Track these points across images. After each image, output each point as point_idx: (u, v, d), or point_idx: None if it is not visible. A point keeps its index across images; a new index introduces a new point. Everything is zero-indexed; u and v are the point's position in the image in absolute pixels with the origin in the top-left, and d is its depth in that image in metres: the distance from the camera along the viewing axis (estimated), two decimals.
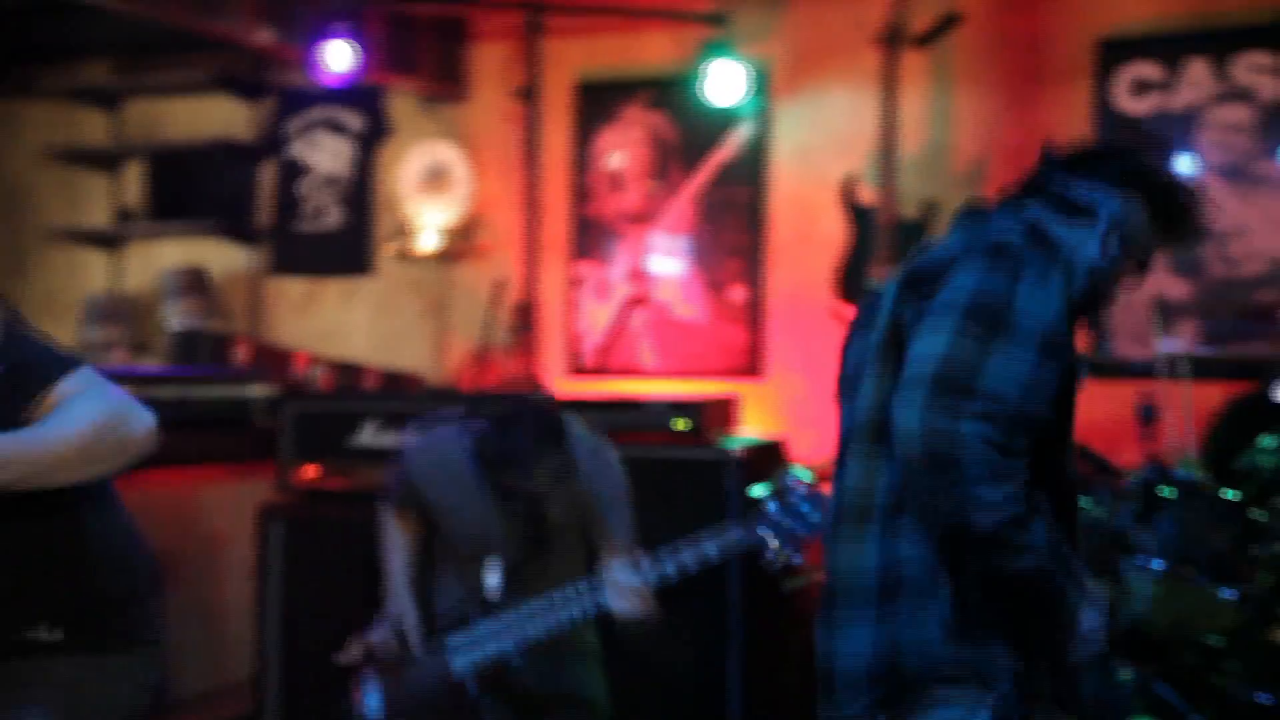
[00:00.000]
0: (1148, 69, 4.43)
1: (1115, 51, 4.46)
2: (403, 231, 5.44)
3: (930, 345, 1.80)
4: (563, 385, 5.16)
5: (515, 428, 2.82)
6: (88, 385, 2.08)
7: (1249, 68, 4.33)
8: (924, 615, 1.84)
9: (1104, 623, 1.86)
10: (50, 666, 2.06)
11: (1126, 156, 2.03)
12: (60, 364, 2.10)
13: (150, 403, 4.28)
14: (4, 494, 1.96)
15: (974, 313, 1.79)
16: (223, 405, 4.35)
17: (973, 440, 1.72)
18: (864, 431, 1.96)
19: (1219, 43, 4.34)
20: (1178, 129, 4.38)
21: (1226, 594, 2.82)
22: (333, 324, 5.60)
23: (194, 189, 5.76)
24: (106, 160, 5.91)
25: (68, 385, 2.05)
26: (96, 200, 5.95)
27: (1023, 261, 1.83)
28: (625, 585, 2.77)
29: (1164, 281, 4.39)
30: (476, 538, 2.91)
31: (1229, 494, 2.87)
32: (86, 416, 2.02)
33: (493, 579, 2.89)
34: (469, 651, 2.88)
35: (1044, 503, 1.80)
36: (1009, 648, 1.83)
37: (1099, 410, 4.30)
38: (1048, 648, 1.85)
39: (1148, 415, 3.00)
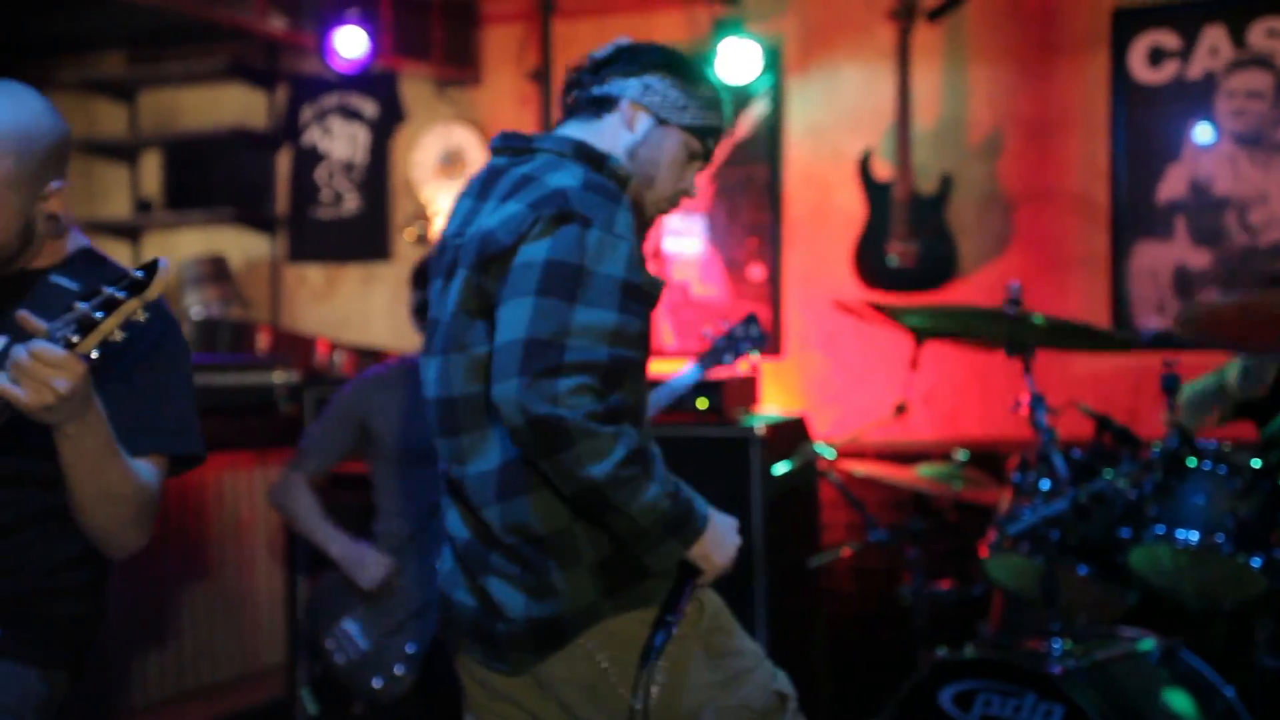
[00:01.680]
0: (1164, 37, 4.41)
1: (1131, 20, 4.44)
2: (420, 216, 5.46)
3: (516, 314, 1.86)
4: None
5: None
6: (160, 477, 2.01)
7: (1266, 33, 4.30)
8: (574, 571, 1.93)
9: (735, 527, 1.99)
10: None
11: (643, 48, 2.16)
12: (182, 441, 2.04)
13: None
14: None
15: (551, 279, 1.85)
16: (245, 392, 4.37)
17: (575, 421, 1.80)
18: (467, 408, 1.98)
19: (1235, 9, 4.31)
20: (1196, 97, 4.36)
21: (1254, 562, 2.83)
22: (352, 310, 5.63)
23: (211, 178, 5.78)
24: (124, 151, 5.93)
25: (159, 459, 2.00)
26: (115, 191, 5.98)
27: (587, 217, 1.89)
28: None
29: (1185, 251, 4.38)
30: (424, 444, 3.00)
31: (1255, 462, 2.87)
32: (148, 492, 1.96)
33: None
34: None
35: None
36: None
37: (1122, 381, 4.31)
38: (686, 567, 1.96)
39: (1171, 385, 3.00)
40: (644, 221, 2.14)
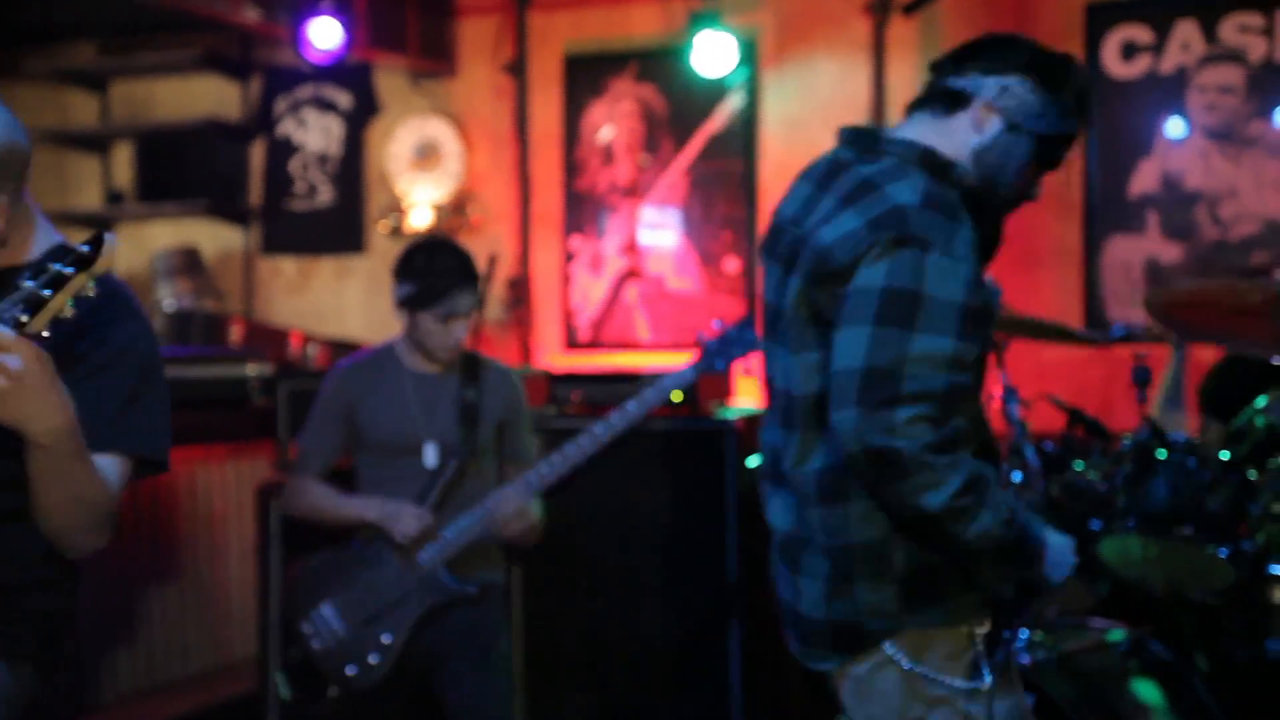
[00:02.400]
0: (1137, 32, 4.43)
1: (1103, 15, 4.46)
2: (395, 208, 5.44)
3: (853, 341, 1.84)
4: (558, 359, 5.17)
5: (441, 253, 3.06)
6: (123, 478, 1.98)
7: (1237, 28, 4.33)
8: (880, 583, 1.91)
9: (1071, 548, 1.92)
10: None
11: (1012, 44, 2.02)
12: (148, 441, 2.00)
13: None
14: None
15: (889, 306, 1.82)
16: (219, 385, 4.35)
17: (912, 453, 1.78)
18: (803, 408, 1.96)
19: (1207, 4, 4.34)
20: (1168, 92, 4.39)
21: (1222, 553, 2.85)
22: (326, 302, 5.61)
23: (184, 169, 5.76)
24: (95, 142, 5.90)
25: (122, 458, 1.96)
26: (87, 182, 5.94)
27: (926, 240, 1.85)
28: (516, 502, 3.00)
29: (1157, 245, 4.41)
30: (409, 434, 3.08)
31: (1224, 454, 2.89)
32: (111, 492, 1.93)
33: (430, 455, 3.06)
34: (436, 546, 3.02)
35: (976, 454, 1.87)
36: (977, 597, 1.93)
37: (1093, 374, 4.33)
38: (1022, 588, 1.93)
39: (1142, 378, 3.02)
40: (991, 225, 2.06)
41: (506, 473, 3.18)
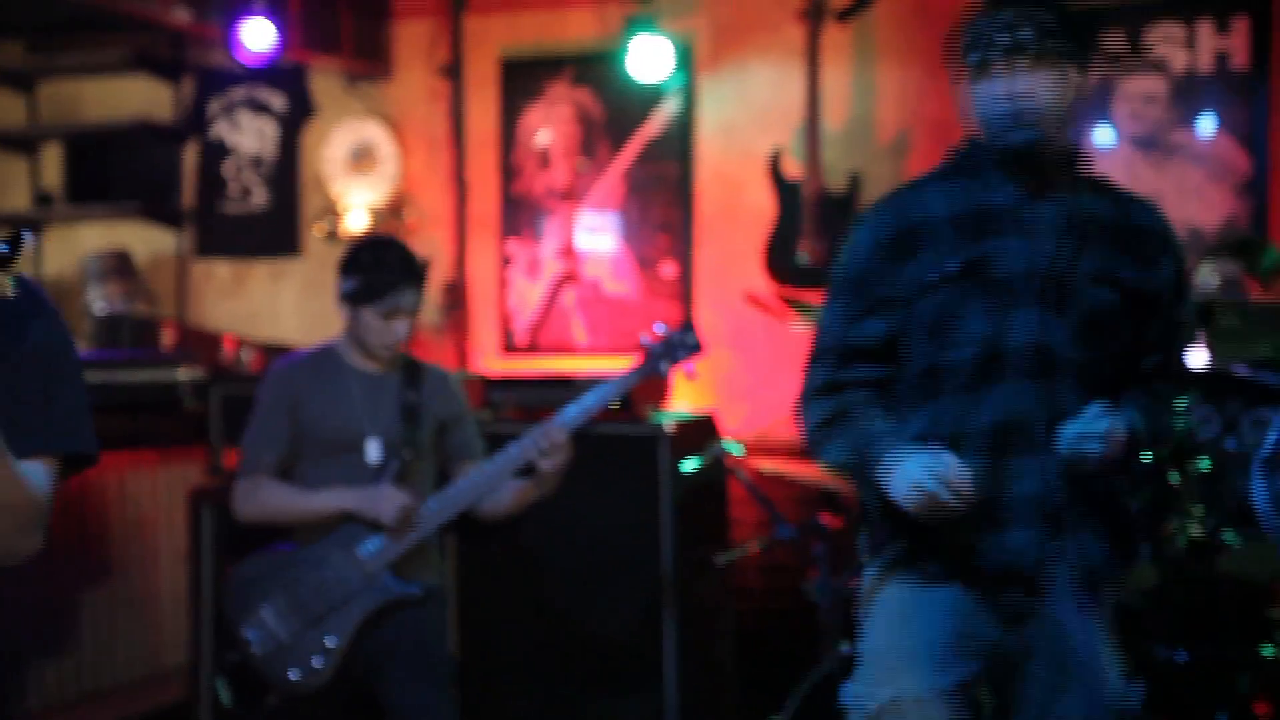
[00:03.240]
0: None
1: None
2: (330, 211, 5.41)
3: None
4: (495, 364, 5.16)
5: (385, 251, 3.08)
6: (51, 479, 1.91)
7: (1162, 39, 4.42)
8: None
9: (921, 480, 2.04)
10: None
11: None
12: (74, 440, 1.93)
13: None
14: None
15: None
16: (150, 389, 4.30)
17: (798, 399, 2.30)
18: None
19: (1132, 14, 4.42)
20: (1094, 100, 4.46)
21: (1144, 555, 2.90)
22: (261, 306, 5.56)
23: (114, 171, 5.68)
24: (23, 143, 5.81)
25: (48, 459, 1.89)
26: (14, 184, 5.85)
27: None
28: (564, 434, 3.02)
29: None
30: (352, 430, 3.07)
31: (1145, 457, 2.94)
32: (38, 496, 1.85)
33: (374, 452, 3.05)
34: (379, 547, 3.01)
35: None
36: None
37: None
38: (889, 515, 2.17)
39: None
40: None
41: (457, 472, 3.17)
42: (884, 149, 4.72)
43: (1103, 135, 4.46)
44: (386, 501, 2.97)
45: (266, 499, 3.08)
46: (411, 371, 3.16)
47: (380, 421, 3.08)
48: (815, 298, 4.46)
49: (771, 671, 4.29)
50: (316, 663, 2.98)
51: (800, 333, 3.57)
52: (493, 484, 3.05)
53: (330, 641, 2.99)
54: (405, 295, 3.03)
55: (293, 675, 2.99)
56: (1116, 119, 4.46)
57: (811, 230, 4.62)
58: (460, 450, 3.20)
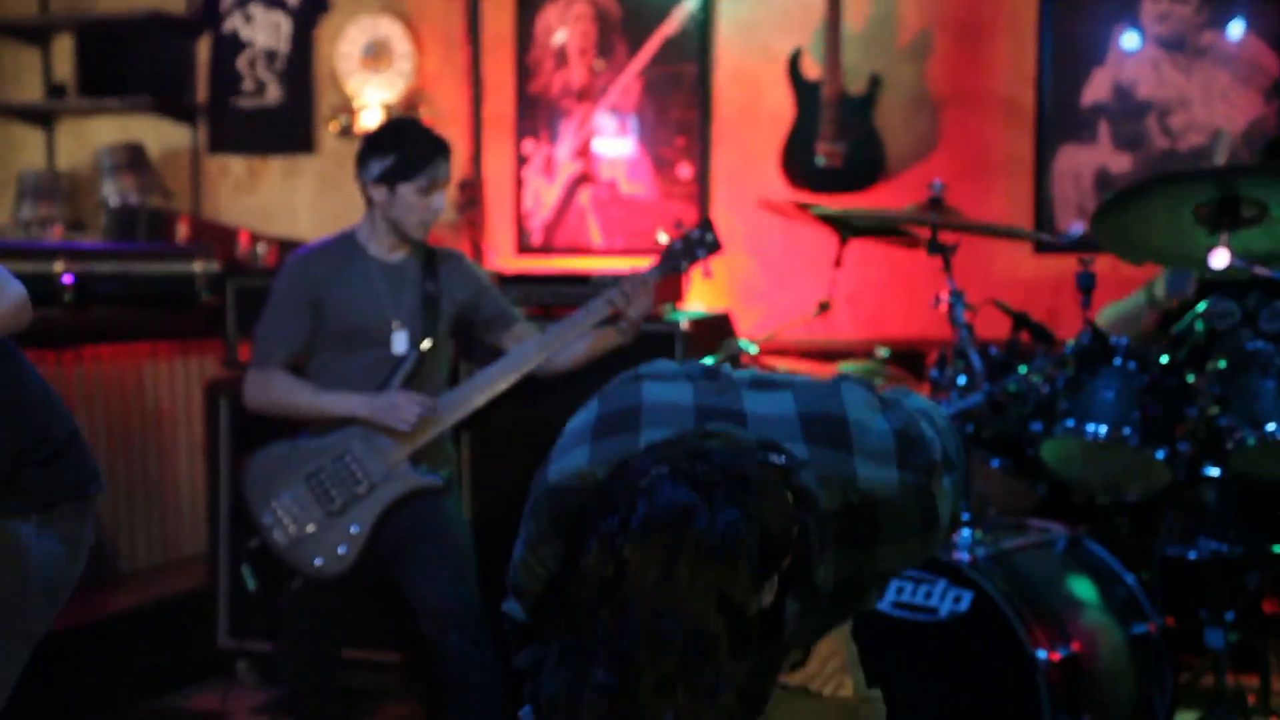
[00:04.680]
0: None
1: None
2: (345, 108, 5.36)
3: None
4: (510, 263, 5.15)
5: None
6: None
7: None
8: None
9: None
10: None
11: None
12: None
13: (91, 278, 4.24)
14: None
15: None
16: (166, 281, 4.30)
17: None
18: None
19: None
20: (1121, 1, 4.39)
21: (1159, 455, 2.91)
22: (275, 203, 5.54)
23: (127, 64, 5.62)
24: (35, 33, 5.74)
25: None
26: (27, 75, 5.80)
27: None
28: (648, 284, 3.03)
29: (1107, 154, 4.44)
30: (379, 321, 3.08)
31: (1163, 358, 2.94)
32: None
33: (400, 343, 3.07)
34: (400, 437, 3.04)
35: None
36: None
37: (1041, 283, 4.38)
38: None
39: (1086, 284, 3.05)
40: None
41: (502, 341, 3.19)
42: (905, 50, 4.65)
43: (1129, 38, 4.39)
44: (402, 410, 2.98)
45: (279, 394, 3.08)
46: (429, 259, 3.15)
47: (404, 312, 3.08)
48: (832, 201, 4.43)
49: None
50: (341, 550, 3.01)
51: (824, 227, 3.55)
52: (567, 338, 3.07)
53: (354, 529, 3.02)
54: (441, 166, 3.05)
55: (317, 562, 3.03)
56: (1143, 20, 4.38)
57: (830, 132, 4.57)
58: (497, 321, 3.18)
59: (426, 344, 3.08)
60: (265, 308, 3.17)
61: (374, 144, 3.06)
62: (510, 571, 1.39)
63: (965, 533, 2.92)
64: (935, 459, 1.40)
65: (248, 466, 3.18)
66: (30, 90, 5.75)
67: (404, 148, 3.01)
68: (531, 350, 3.07)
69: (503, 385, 3.08)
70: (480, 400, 3.08)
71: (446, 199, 5.04)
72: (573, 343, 3.09)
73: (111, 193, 5.25)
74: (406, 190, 3.01)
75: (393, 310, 3.08)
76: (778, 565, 1.20)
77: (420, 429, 3.01)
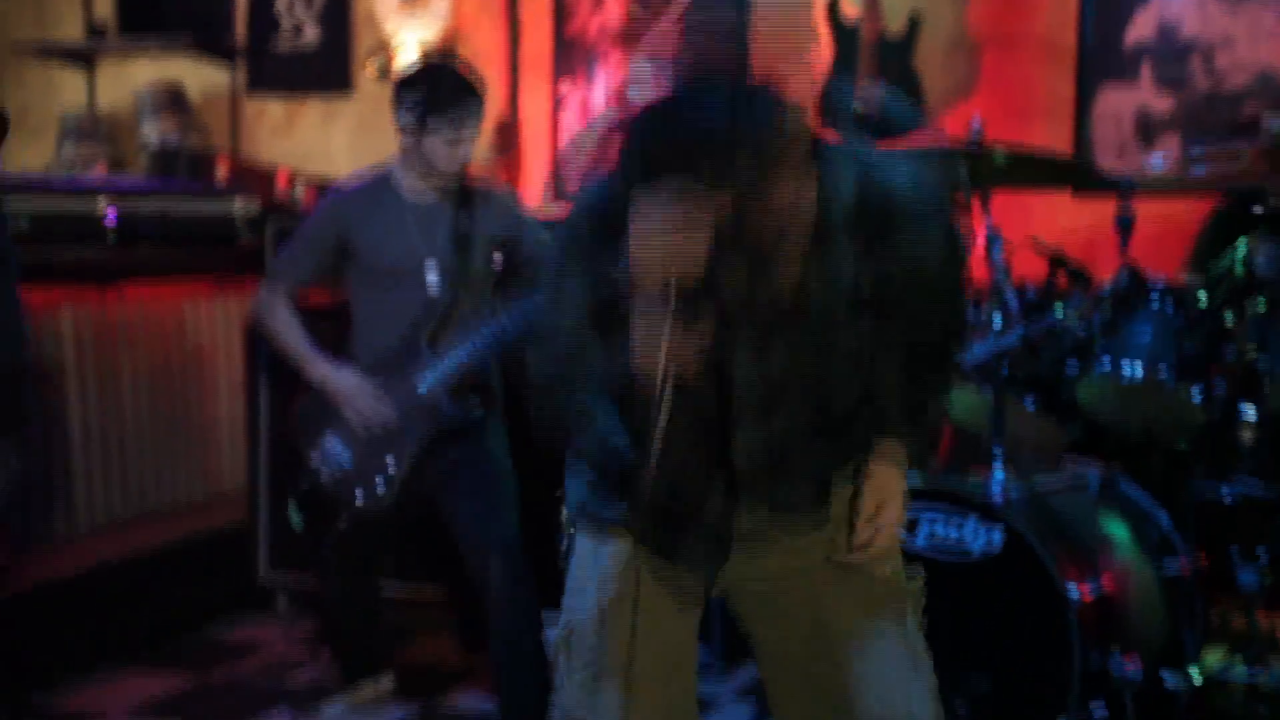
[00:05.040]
0: None
1: None
2: (383, 49, 5.36)
3: None
4: (546, 208, 5.15)
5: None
6: None
7: None
8: None
9: None
10: None
11: None
12: None
13: (133, 217, 4.27)
14: None
15: None
16: (206, 221, 4.34)
17: None
18: None
19: None
20: None
21: (1194, 395, 2.90)
22: (313, 144, 5.56)
23: (167, 4, 5.64)
24: None
25: None
26: (67, 14, 5.83)
27: None
28: None
29: (1148, 95, 4.38)
30: (410, 259, 3.08)
31: (1200, 298, 2.92)
32: None
33: (432, 276, 3.06)
34: (433, 374, 3.04)
35: None
36: None
37: (1080, 222, 4.34)
38: None
39: (1125, 224, 3.03)
40: None
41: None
42: None
43: None
44: (360, 405, 3.03)
45: (278, 327, 3.17)
46: (465, 197, 3.16)
47: (435, 251, 3.10)
48: (869, 144, 4.40)
49: None
50: (380, 487, 3.05)
51: None
52: None
53: (392, 466, 3.05)
54: (471, 108, 3.04)
55: (359, 499, 3.07)
56: None
57: (868, 74, 4.54)
58: (534, 262, 3.17)
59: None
60: (293, 235, 3.23)
61: (405, 85, 3.07)
62: None
63: (998, 472, 2.93)
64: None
65: (295, 407, 3.22)
66: (71, 29, 5.78)
67: (434, 90, 3.02)
68: (517, 318, 3.03)
69: (486, 354, 3.06)
70: (463, 372, 3.06)
71: (483, 141, 5.06)
72: None
73: (152, 133, 5.28)
74: (434, 137, 3.02)
75: (425, 250, 3.09)
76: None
77: (360, 435, 3.06)
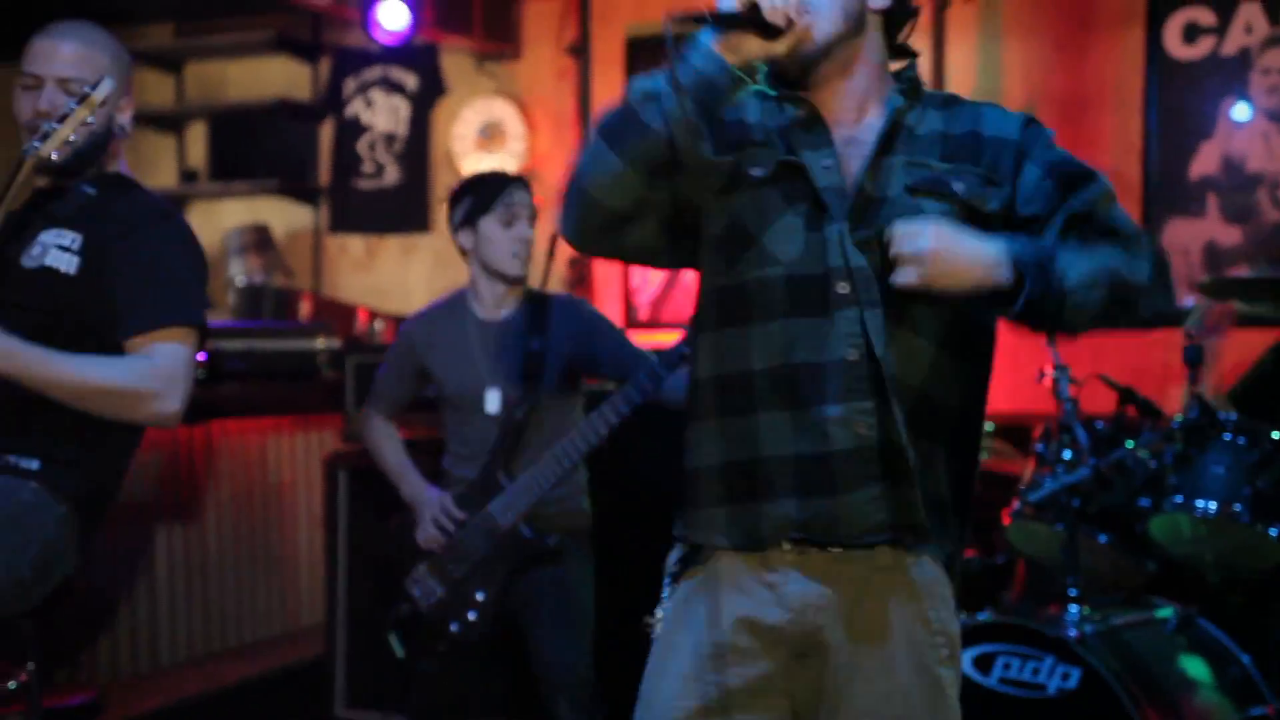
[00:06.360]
0: (1199, 14, 4.42)
1: None
2: None
3: None
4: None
5: None
6: (176, 350, 2.34)
7: None
8: None
9: None
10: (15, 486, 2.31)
11: None
12: (182, 313, 2.37)
13: (221, 355, 4.41)
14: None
15: None
16: (288, 357, 4.46)
17: None
18: None
19: None
20: (1230, 74, 4.37)
21: (1271, 532, 2.87)
22: (392, 280, 5.72)
23: (255, 149, 5.89)
24: (170, 122, 6.05)
25: (165, 334, 2.33)
26: (162, 161, 6.09)
27: None
28: None
29: (1216, 228, 4.40)
30: (471, 384, 3.12)
31: (1274, 433, 2.91)
32: (139, 374, 2.31)
33: (492, 403, 3.10)
34: (507, 501, 3.06)
35: None
36: None
37: (1148, 357, 4.33)
38: None
39: (1193, 358, 3.03)
40: None
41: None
42: None
43: (1239, 110, 4.36)
44: (426, 518, 3.10)
45: (372, 441, 3.30)
46: (536, 309, 3.15)
47: (501, 373, 3.12)
48: None
49: None
50: (472, 616, 3.07)
51: None
52: (634, 404, 2.96)
53: (480, 595, 3.07)
54: (518, 194, 3.10)
55: (454, 629, 3.09)
56: (1253, 92, 4.36)
57: None
58: (616, 371, 3.11)
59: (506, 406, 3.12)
60: (383, 361, 3.36)
61: (452, 198, 3.19)
62: None
63: (1073, 608, 2.90)
64: None
65: (390, 535, 3.27)
66: (165, 176, 6.04)
67: (477, 187, 3.14)
68: (598, 425, 2.98)
69: (563, 471, 3.02)
70: (540, 498, 3.05)
71: (556, 275, 5.18)
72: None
73: (238, 272, 5.47)
74: (488, 227, 3.09)
75: (488, 373, 3.12)
76: None
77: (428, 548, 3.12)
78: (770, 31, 1.73)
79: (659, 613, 1.87)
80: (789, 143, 1.81)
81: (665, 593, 1.88)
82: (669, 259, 1.89)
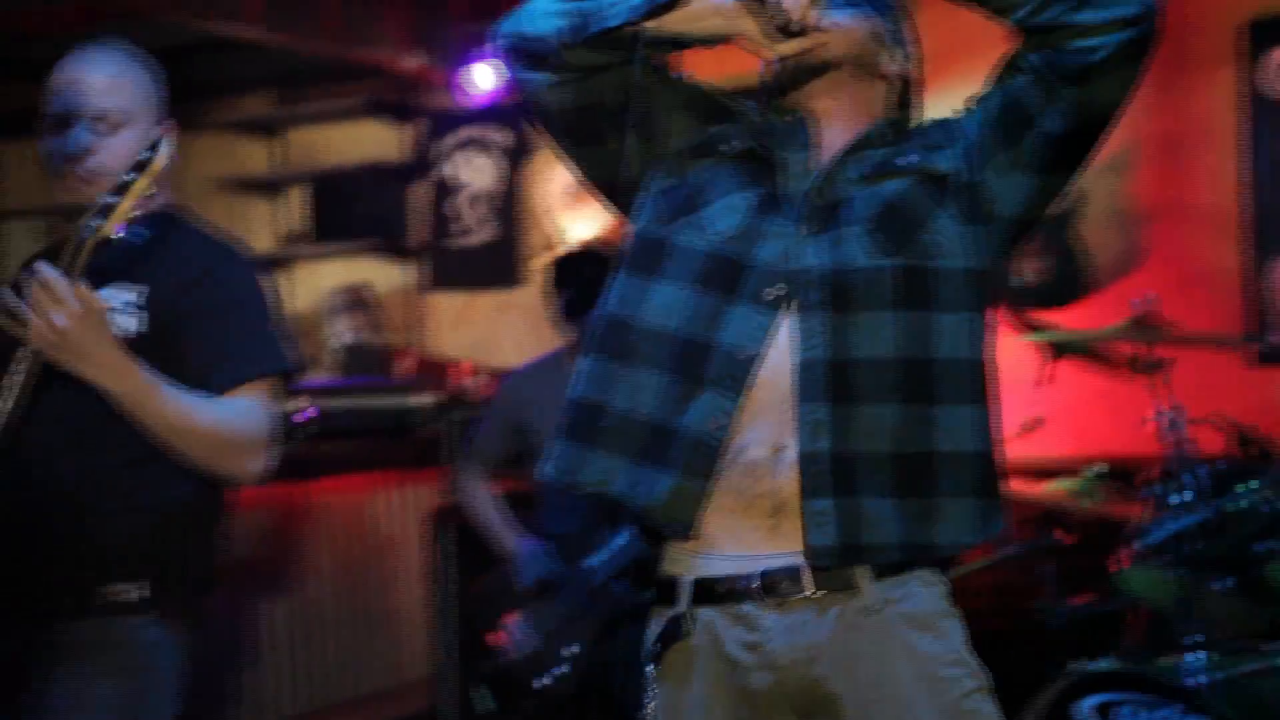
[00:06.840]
0: None
1: (1264, 33, 4.39)
2: (551, 244, 5.59)
3: None
4: None
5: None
6: (266, 404, 2.13)
7: None
8: None
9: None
10: (130, 628, 2.05)
11: None
12: (270, 361, 2.16)
13: (324, 413, 4.48)
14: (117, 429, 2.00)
15: None
16: (388, 414, 4.53)
17: None
18: None
19: None
20: None
21: None
22: (486, 335, 5.78)
23: (352, 211, 6.00)
24: (269, 187, 6.19)
25: (251, 388, 2.11)
26: (261, 226, 6.23)
27: None
28: None
29: None
30: None
31: None
32: (235, 423, 2.07)
33: None
34: (600, 556, 3.09)
35: None
36: None
37: (1264, 396, 4.24)
38: None
39: None
40: None
41: None
42: (1105, 166, 4.62)
43: None
44: (525, 573, 3.12)
45: (468, 499, 3.34)
46: None
47: None
48: (1042, 316, 4.40)
49: (999, 692, 4.23)
50: (561, 670, 3.10)
51: (1029, 344, 3.56)
52: None
53: (569, 650, 3.10)
54: None
55: (542, 683, 3.11)
56: None
57: (1033, 249, 4.57)
58: None
59: None
60: (482, 418, 3.42)
61: (556, 278, 3.23)
62: None
63: (1196, 656, 2.84)
64: None
65: (480, 591, 3.32)
66: (265, 240, 6.17)
67: (578, 283, 3.16)
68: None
69: None
70: (632, 554, 3.07)
71: None
72: None
73: (339, 331, 5.56)
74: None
75: None
76: None
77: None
78: (785, 28, 1.73)
79: (649, 705, 1.80)
80: (769, 134, 1.84)
81: (649, 678, 1.81)
82: (626, 176, 1.89)
